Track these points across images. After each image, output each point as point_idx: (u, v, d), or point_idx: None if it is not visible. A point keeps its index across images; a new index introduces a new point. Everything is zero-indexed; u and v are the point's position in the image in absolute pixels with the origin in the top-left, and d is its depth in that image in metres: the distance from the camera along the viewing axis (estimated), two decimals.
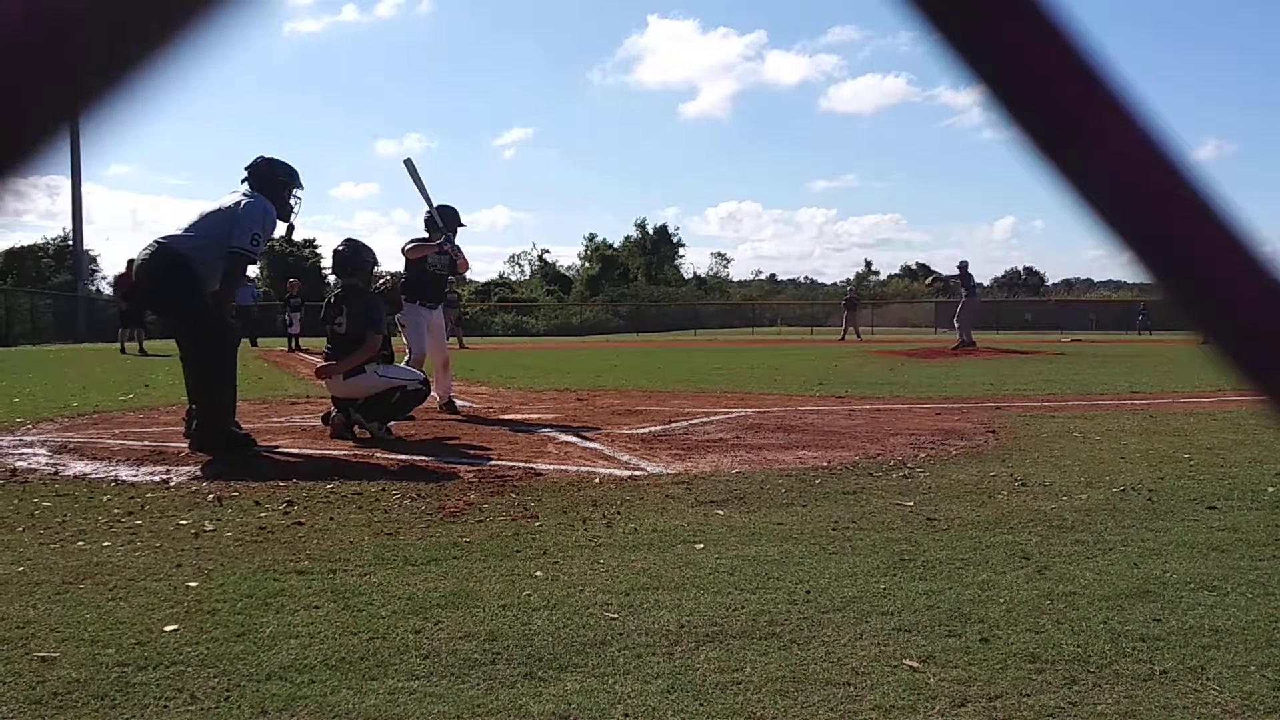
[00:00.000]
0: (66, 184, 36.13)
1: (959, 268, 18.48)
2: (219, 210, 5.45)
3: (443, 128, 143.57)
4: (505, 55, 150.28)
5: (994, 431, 6.03)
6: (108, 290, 29.42)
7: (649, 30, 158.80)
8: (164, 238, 5.40)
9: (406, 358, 7.15)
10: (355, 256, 6.11)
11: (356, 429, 5.85)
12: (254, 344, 25.00)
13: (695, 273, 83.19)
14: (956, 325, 18.48)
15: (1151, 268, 0.39)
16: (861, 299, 41.35)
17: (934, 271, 19.18)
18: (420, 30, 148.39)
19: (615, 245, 76.43)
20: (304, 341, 22.93)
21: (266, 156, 5.67)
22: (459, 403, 7.66)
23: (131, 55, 0.30)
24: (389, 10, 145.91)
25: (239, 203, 5.45)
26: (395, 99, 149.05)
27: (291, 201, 5.75)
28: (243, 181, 5.63)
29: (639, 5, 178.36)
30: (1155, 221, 0.38)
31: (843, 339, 29.58)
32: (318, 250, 59.68)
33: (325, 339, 6.08)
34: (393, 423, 5.93)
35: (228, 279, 5.43)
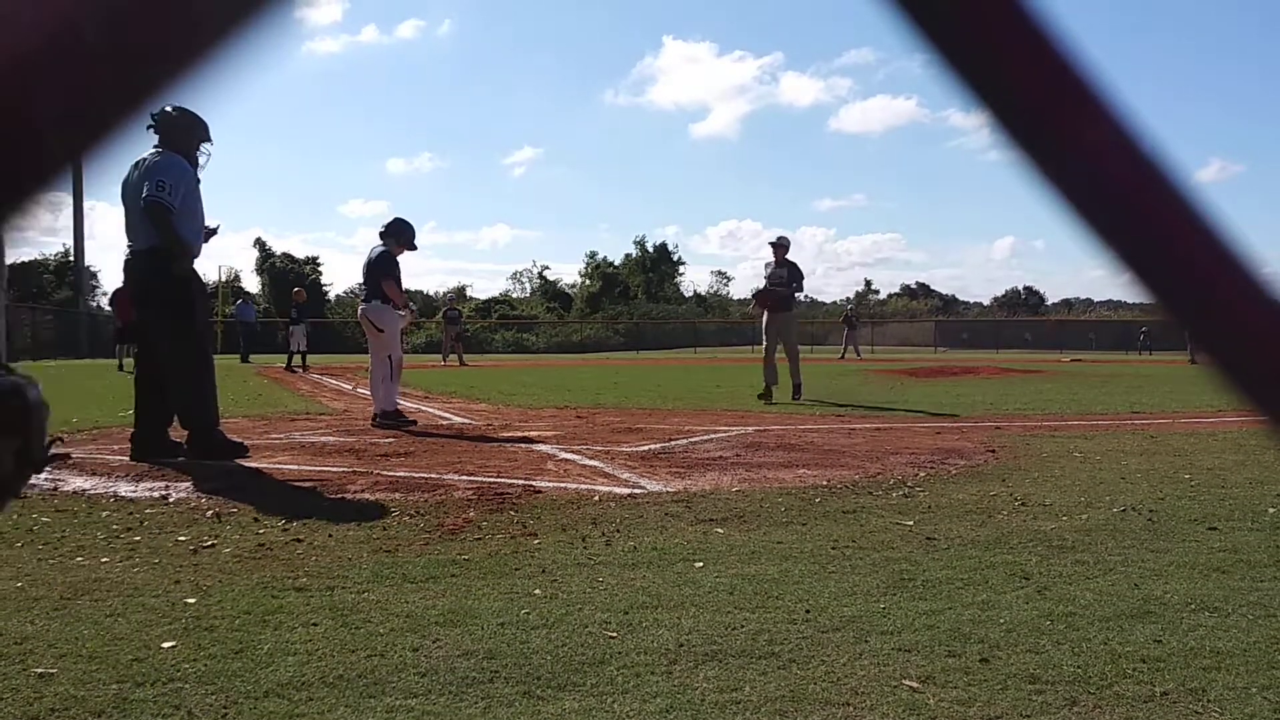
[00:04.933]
0: (69, 200, 36.24)
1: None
2: (136, 182, 5.39)
3: (455, 147, 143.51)
4: (520, 76, 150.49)
5: (994, 451, 6.03)
6: (108, 306, 29.30)
7: (664, 52, 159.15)
8: (127, 245, 5.49)
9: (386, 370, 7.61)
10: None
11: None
12: (245, 359, 24.76)
13: (695, 291, 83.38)
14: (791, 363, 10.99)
15: (1149, 286, 0.39)
16: (861, 318, 41.45)
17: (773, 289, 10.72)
18: (438, 51, 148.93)
19: (616, 263, 76.66)
20: (304, 358, 20.45)
21: (163, 109, 5.31)
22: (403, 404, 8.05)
23: (149, 81, 0.31)
24: (410, 31, 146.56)
25: (143, 160, 5.42)
26: (409, 118, 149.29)
27: (200, 156, 5.64)
28: (151, 131, 5.51)
29: (655, 26, 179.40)
30: (1152, 239, 0.39)
31: (842, 357, 29.63)
32: (319, 266, 60.21)
33: None
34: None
35: (158, 233, 5.34)
